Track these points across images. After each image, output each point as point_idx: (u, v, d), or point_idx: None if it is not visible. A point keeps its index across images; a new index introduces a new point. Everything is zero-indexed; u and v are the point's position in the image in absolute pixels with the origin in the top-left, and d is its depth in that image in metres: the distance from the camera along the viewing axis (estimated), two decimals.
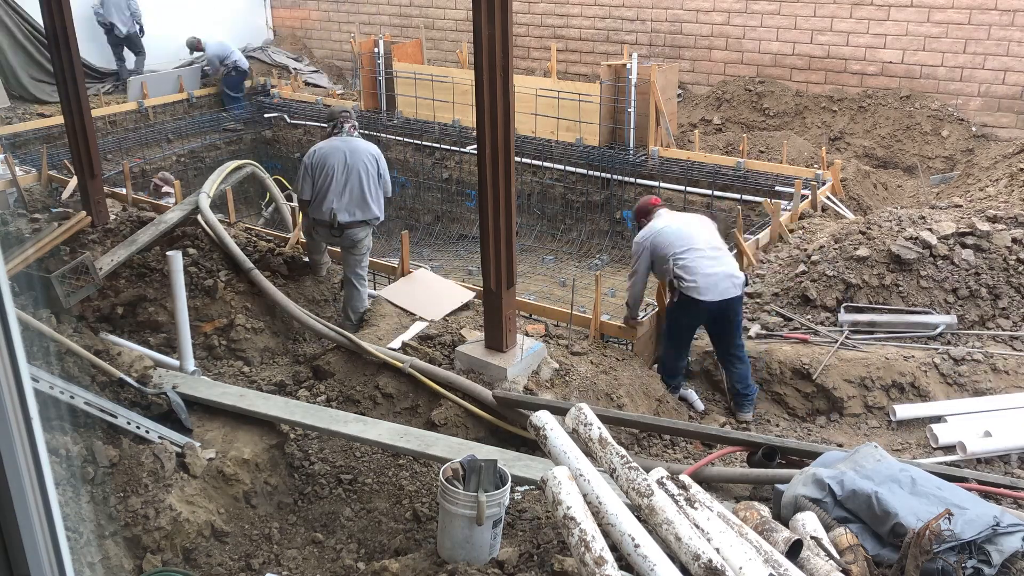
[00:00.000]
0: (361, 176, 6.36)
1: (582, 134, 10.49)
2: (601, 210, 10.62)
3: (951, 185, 10.00)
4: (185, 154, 12.55)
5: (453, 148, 11.56)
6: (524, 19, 13.95)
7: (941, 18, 10.80)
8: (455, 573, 3.49)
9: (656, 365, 6.33)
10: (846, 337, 6.33)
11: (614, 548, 3.12)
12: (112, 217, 7.33)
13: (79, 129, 7.08)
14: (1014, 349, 6.19)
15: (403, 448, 4.53)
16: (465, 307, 6.52)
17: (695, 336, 6.27)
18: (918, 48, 11.04)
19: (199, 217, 7.07)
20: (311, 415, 4.82)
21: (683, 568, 3.02)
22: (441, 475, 3.66)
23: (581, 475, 3.38)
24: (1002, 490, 4.23)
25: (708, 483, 4.26)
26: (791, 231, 8.17)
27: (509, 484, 3.68)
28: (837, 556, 3.32)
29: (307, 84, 14.71)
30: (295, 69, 15.21)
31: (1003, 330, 6.35)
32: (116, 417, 4.31)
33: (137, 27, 13.68)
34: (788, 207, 8.51)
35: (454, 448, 4.41)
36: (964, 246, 6.60)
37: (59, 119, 9.09)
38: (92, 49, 13.42)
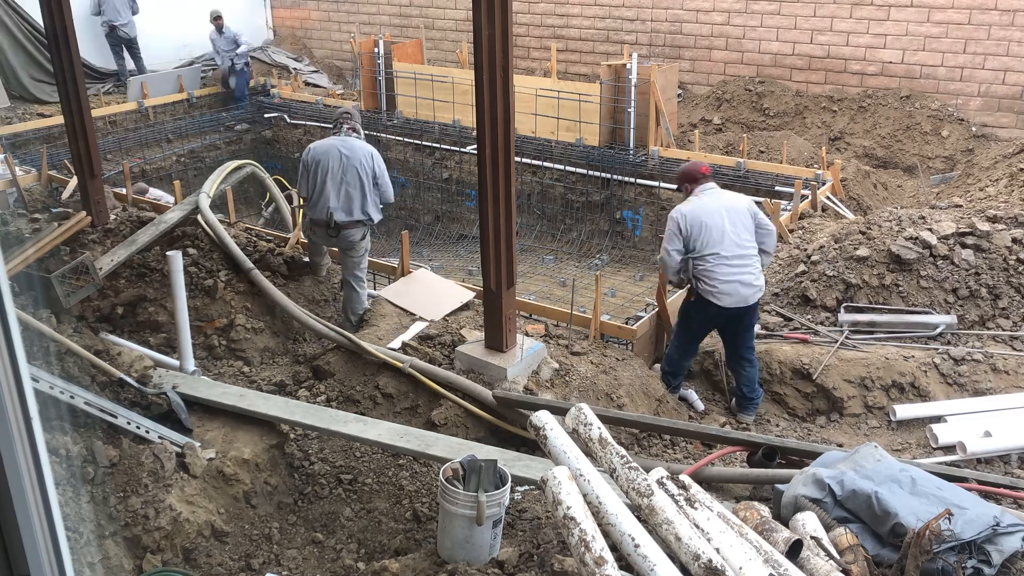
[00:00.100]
0: (359, 176, 6.36)
1: (582, 134, 10.49)
2: (601, 210, 10.62)
3: (951, 185, 10.00)
4: (185, 154, 12.56)
5: (453, 148, 11.56)
6: (524, 19, 13.96)
7: (941, 18, 10.81)
8: (455, 573, 3.49)
9: (657, 364, 6.33)
10: (846, 337, 6.33)
11: (614, 548, 3.12)
12: (112, 217, 7.34)
13: (79, 129, 7.08)
14: (1014, 349, 6.19)
15: (403, 448, 4.53)
16: (465, 307, 6.52)
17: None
18: (918, 48, 11.04)
19: (199, 217, 7.07)
20: (311, 415, 4.82)
21: (683, 568, 3.02)
22: (441, 475, 3.65)
23: (581, 475, 3.38)
24: (1002, 490, 4.23)
25: (708, 483, 4.26)
26: (791, 231, 8.17)
27: (509, 484, 3.68)
28: (837, 556, 3.32)
29: (307, 84, 14.72)
30: (295, 69, 15.22)
31: (1003, 330, 6.35)
32: (116, 417, 4.31)
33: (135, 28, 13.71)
34: (788, 207, 8.51)
35: (454, 448, 4.41)
36: (964, 246, 6.60)
37: (59, 119, 9.10)
38: (92, 49, 13.43)
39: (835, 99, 11.55)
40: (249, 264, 6.52)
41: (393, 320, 6.25)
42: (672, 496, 3.41)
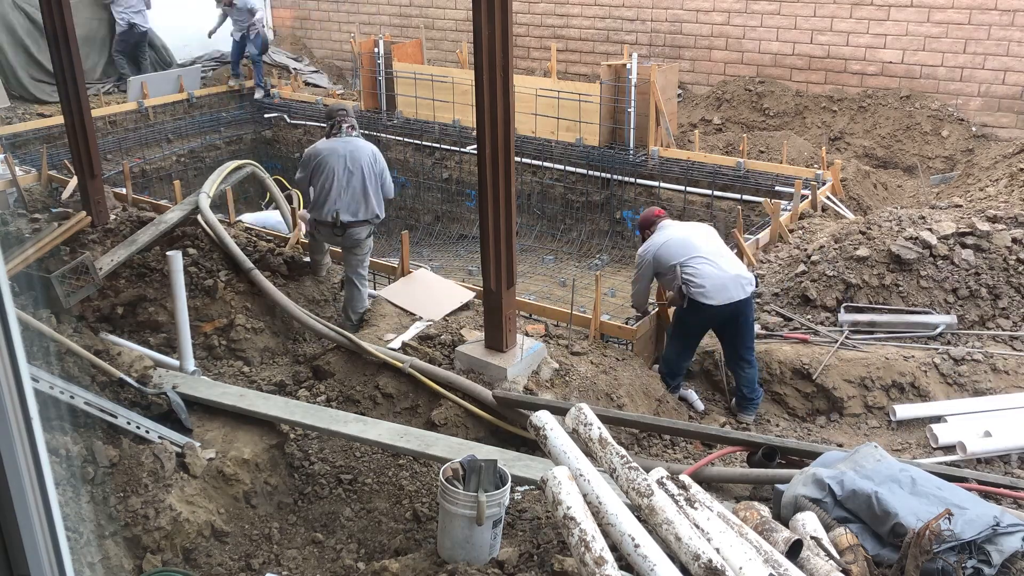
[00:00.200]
0: (364, 176, 6.35)
1: (582, 134, 10.49)
2: (601, 210, 10.62)
3: (951, 185, 10.00)
4: (185, 154, 12.56)
5: (453, 148, 11.55)
6: (524, 19, 13.95)
7: (941, 18, 10.80)
8: (455, 573, 3.49)
9: (657, 364, 6.33)
10: (846, 337, 6.33)
11: (614, 548, 3.12)
12: (112, 217, 7.33)
13: (79, 129, 7.07)
14: (1014, 349, 6.19)
15: (403, 448, 4.53)
16: (465, 307, 6.52)
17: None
18: (918, 48, 11.04)
19: (199, 217, 7.07)
20: (311, 415, 4.82)
21: (683, 568, 3.02)
22: (441, 475, 3.65)
23: (581, 475, 3.38)
24: (1002, 490, 4.23)
25: (708, 483, 4.26)
26: (791, 231, 8.17)
27: (509, 484, 3.68)
28: (837, 556, 3.32)
29: (307, 84, 14.70)
30: (295, 69, 15.20)
31: (1003, 330, 6.35)
32: (116, 417, 4.31)
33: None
34: (788, 207, 8.51)
35: (454, 448, 4.41)
36: (964, 246, 6.60)
37: (59, 119, 9.09)
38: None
39: (835, 99, 11.55)
40: (249, 264, 6.52)
41: (393, 320, 6.25)
42: (672, 496, 3.41)
